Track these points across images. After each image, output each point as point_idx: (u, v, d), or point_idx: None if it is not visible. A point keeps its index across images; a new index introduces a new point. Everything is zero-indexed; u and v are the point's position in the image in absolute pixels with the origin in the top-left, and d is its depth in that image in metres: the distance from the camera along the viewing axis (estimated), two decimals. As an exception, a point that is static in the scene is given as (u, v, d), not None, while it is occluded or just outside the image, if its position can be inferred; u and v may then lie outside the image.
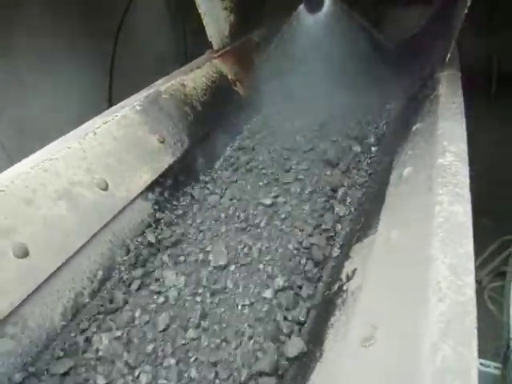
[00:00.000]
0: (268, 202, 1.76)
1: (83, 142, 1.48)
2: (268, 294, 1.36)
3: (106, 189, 1.47)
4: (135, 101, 1.77)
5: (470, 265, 0.91)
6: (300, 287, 1.40)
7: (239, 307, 1.34)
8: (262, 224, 1.66)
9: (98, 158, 1.50)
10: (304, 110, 2.45)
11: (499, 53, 2.98)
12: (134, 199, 1.57)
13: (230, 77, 2.41)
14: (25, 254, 1.18)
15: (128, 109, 1.70)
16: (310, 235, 1.59)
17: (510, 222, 2.85)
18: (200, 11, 2.26)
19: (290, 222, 1.66)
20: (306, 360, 1.17)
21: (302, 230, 1.61)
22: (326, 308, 1.25)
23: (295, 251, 1.53)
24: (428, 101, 1.92)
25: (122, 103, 1.76)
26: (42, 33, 2.67)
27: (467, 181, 1.21)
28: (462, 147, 1.38)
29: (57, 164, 1.37)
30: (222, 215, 1.73)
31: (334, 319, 1.18)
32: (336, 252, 1.54)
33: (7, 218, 1.18)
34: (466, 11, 1.73)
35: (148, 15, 3.39)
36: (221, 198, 1.83)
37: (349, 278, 1.31)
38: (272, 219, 1.69)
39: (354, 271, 1.33)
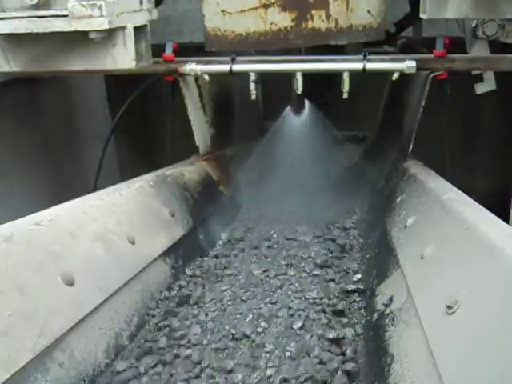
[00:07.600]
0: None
1: (113, 198, 1.52)
2: None
3: (133, 243, 1.47)
4: (146, 178, 1.87)
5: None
6: None
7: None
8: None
9: (124, 214, 1.52)
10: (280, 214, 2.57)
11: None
12: (155, 259, 1.56)
13: (214, 178, 2.60)
14: (71, 282, 1.13)
15: (143, 182, 1.79)
16: None
17: None
18: (190, 119, 2.55)
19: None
20: None
21: None
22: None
23: None
24: (402, 181, 2.19)
25: (134, 179, 1.84)
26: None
27: (477, 204, 1.39)
28: (458, 192, 1.59)
29: (93, 210, 1.38)
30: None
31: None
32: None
33: (56, 245, 1.15)
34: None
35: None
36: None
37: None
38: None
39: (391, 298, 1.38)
